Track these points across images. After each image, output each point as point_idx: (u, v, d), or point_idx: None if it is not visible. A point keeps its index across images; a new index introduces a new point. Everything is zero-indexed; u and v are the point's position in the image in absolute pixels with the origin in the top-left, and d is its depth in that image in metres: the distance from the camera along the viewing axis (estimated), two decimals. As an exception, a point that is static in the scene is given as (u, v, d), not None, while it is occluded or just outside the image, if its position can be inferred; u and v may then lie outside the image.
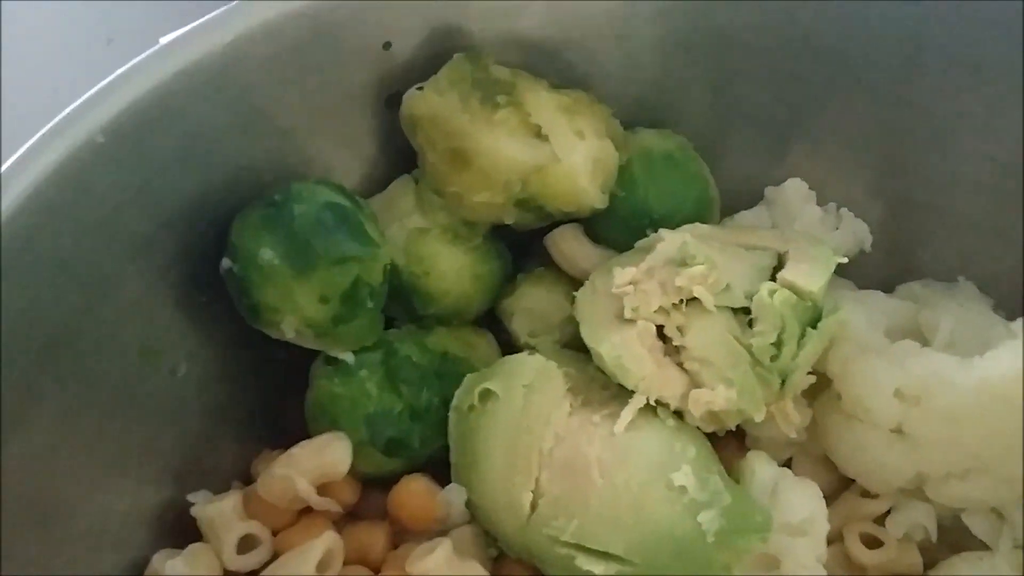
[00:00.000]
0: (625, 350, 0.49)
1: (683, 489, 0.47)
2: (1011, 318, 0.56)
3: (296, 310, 0.50)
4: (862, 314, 0.54)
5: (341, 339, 0.52)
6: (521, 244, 0.61)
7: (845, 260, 0.53)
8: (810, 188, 0.62)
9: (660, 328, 0.51)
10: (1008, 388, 0.48)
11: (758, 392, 0.49)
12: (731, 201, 0.62)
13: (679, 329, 0.50)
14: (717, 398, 0.48)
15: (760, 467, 0.50)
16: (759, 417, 0.49)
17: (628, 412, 0.49)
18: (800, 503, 0.50)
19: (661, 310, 0.50)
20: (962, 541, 0.54)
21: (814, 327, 0.50)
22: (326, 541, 0.49)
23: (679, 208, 0.57)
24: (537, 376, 0.51)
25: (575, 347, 0.55)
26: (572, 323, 0.57)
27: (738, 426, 0.53)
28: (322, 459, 0.51)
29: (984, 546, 0.53)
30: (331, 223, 0.50)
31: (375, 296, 0.52)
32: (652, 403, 0.49)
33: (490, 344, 0.59)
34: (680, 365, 0.50)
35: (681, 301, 0.51)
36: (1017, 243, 0.59)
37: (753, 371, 0.49)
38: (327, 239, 0.50)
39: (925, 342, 0.53)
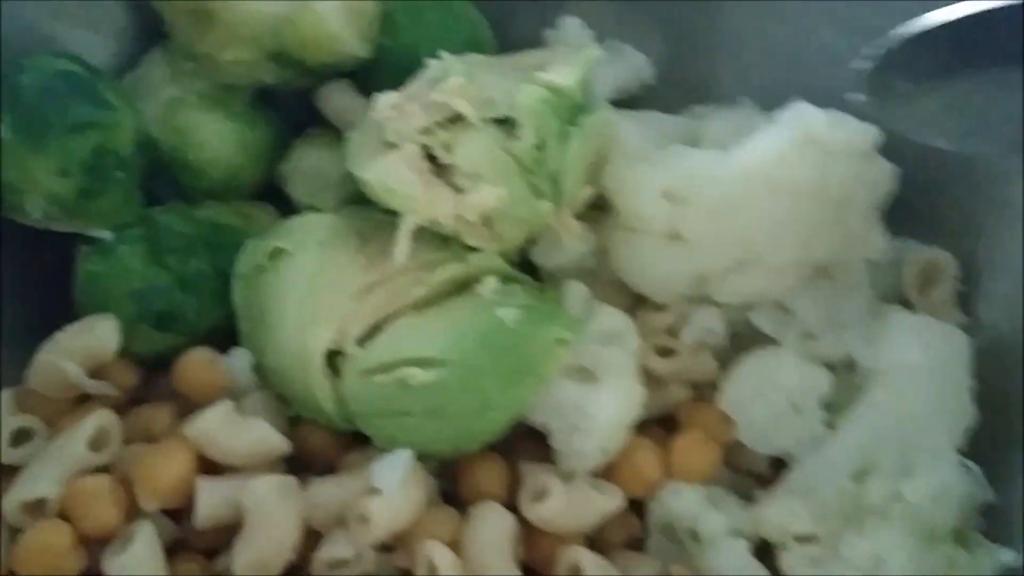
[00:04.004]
0: (390, 173, 0.48)
1: (479, 294, 0.48)
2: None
3: (36, 187, 0.47)
4: (634, 128, 0.54)
5: (94, 216, 0.50)
6: (296, 112, 0.59)
7: (599, 54, 0.53)
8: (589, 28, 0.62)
9: (429, 152, 0.50)
10: (768, 172, 0.49)
11: (531, 199, 0.49)
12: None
13: (445, 148, 0.49)
14: (487, 198, 0.48)
15: (573, 291, 0.51)
16: (540, 223, 0.50)
17: (403, 235, 0.48)
18: (609, 317, 0.51)
19: (426, 131, 0.49)
20: (755, 344, 0.54)
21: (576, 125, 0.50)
22: (97, 419, 0.47)
23: (449, 52, 0.55)
24: (328, 233, 0.50)
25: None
26: (350, 180, 0.56)
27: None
28: (88, 340, 0.49)
29: (773, 342, 0.54)
30: (62, 90, 0.48)
31: (125, 166, 0.50)
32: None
33: (271, 215, 0.57)
34: (453, 186, 0.49)
35: (447, 121, 0.50)
36: (791, 59, 0.60)
37: (524, 179, 0.49)
38: (58, 107, 0.47)
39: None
